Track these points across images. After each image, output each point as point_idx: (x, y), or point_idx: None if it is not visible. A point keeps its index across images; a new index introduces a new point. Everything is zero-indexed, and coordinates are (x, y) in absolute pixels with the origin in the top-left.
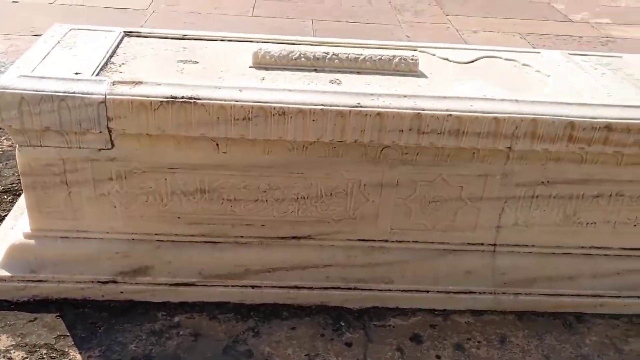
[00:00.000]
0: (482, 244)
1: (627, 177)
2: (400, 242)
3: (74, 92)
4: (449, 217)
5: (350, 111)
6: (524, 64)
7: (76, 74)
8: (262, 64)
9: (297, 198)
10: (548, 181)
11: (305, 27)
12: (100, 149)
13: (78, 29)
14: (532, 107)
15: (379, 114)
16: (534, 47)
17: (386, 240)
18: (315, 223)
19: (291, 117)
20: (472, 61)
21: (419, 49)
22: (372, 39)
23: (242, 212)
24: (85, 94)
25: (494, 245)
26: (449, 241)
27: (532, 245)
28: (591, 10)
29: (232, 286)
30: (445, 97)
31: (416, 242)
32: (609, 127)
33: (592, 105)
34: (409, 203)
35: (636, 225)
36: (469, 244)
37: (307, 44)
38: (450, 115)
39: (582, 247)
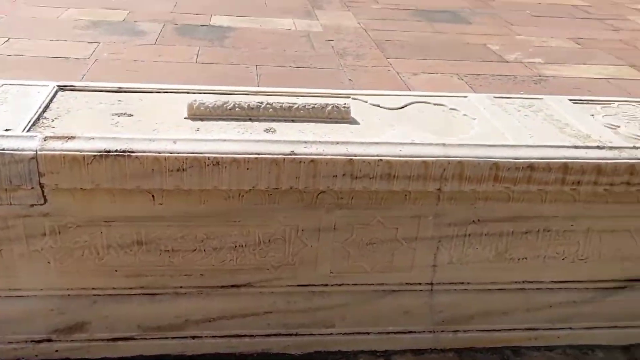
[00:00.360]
0: (419, 284)
1: (551, 213)
2: (340, 285)
3: (3, 149)
4: (386, 258)
5: (284, 159)
6: (451, 108)
7: (6, 130)
8: (197, 114)
9: (235, 246)
10: (479, 220)
11: (250, 72)
12: (32, 205)
13: (10, 84)
14: (459, 150)
15: (312, 160)
16: (471, 87)
17: (326, 285)
18: (254, 270)
19: (226, 167)
20: (403, 107)
21: (352, 97)
22: (316, 82)
23: (181, 262)
24: (15, 150)
25: (431, 284)
26: (388, 282)
27: (468, 283)
28: (524, 50)
29: (172, 338)
30: (376, 143)
31: (356, 284)
32: (531, 167)
33: (515, 147)
34: (347, 246)
35: (564, 258)
36: (407, 283)
37: (242, 94)
38: (381, 160)
39: (516, 282)
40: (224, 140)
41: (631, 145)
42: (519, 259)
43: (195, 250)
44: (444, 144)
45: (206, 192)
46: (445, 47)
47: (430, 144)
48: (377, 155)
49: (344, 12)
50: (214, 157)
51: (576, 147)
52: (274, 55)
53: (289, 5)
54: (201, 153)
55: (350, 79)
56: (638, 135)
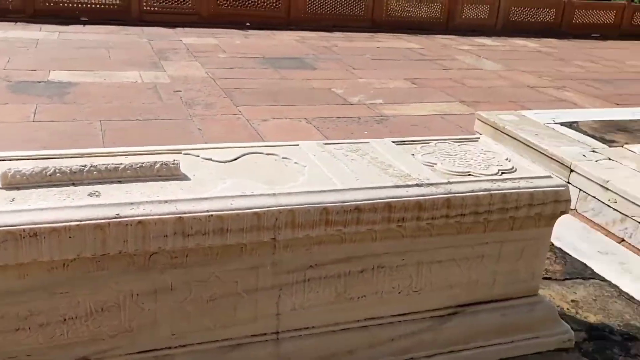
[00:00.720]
0: (265, 334)
1: (383, 250)
2: (183, 346)
3: None
4: (228, 312)
5: (109, 223)
6: (283, 157)
7: None
8: (13, 183)
9: (65, 319)
10: (316, 264)
11: (93, 128)
12: None
13: None
14: (289, 198)
15: (140, 222)
16: (319, 130)
17: (169, 347)
18: (88, 342)
19: (45, 237)
20: (235, 159)
21: (184, 152)
22: (164, 134)
23: (2, 344)
24: None
25: (277, 332)
26: (233, 336)
27: (312, 327)
28: (366, 93)
29: None
30: (206, 198)
31: (200, 343)
32: (358, 209)
33: (342, 191)
34: (187, 305)
35: (400, 292)
36: (252, 335)
37: (66, 157)
38: (212, 215)
39: (358, 321)
40: (42, 209)
41: (446, 180)
42: (358, 298)
43: (18, 329)
44: (274, 194)
45: (25, 266)
46: (293, 92)
47: (261, 195)
48: (208, 211)
49: (191, 62)
50: (31, 229)
51: (398, 186)
52: (120, 108)
53: (134, 57)
54: (15, 225)
55: (200, 129)
56: (452, 171)
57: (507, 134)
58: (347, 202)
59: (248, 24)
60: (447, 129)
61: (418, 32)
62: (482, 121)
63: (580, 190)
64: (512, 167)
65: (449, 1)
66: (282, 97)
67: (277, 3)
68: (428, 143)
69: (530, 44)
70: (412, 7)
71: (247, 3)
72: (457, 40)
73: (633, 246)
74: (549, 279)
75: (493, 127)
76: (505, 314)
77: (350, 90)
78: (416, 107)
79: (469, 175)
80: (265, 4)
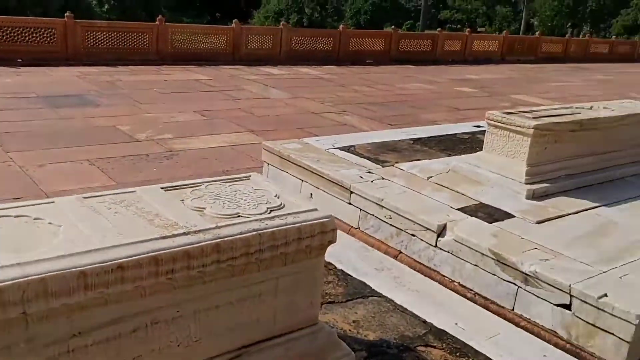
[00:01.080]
0: None
1: (155, 305)
2: None
3: None
4: None
5: None
6: (36, 218)
7: None
8: None
9: None
10: (79, 332)
11: None
12: None
13: None
14: (39, 266)
15: None
16: (103, 171)
17: None
18: None
19: None
20: None
21: None
22: None
23: None
24: None
25: None
26: None
27: None
28: (154, 128)
29: None
30: None
31: None
32: (121, 267)
33: (102, 250)
34: None
35: (179, 345)
36: None
37: None
38: None
39: None
40: None
41: (214, 225)
42: (134, 359)
43: None
44: (19, 263)
45: None
46: (73, 133)
47: (4, 267)
48: None
49: None
50: None
51: (164, 237)
52: None
53: None
54: None
55: None
56: (221, 214)
57: (292, 162)
58: (108, 261)
59: (20, 60)
60: (238, 160)
61: (205, 64)
62: (268, 151)
63: (360, 209)
64: (281, 204)
65: (233, 32)
66: (61, 139)
67: (53, 37)
68: (198, 186)
69: (313, 71)
70: (198, 39)
71: (16, 37)
72: (244, 70)
73: (408, 256)
74: (332, 302)
75: (279, 156)
76: (288, 348)
77: (137, 126)
78: (206, 140)
79: (238, 216)
80: (38, 38)
